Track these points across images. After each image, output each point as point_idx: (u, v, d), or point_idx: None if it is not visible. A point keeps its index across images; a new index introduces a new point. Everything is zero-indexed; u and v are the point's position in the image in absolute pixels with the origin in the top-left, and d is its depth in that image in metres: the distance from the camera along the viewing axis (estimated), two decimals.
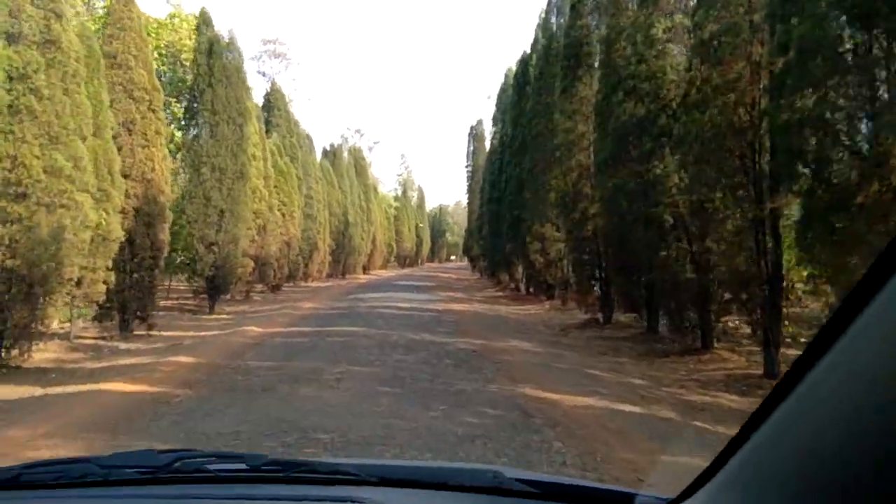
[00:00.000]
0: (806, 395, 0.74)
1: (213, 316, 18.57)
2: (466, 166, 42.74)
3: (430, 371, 7.91)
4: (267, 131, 31.46)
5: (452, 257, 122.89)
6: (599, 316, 14.72)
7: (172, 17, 23.67)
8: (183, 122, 19.62)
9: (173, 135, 22.47)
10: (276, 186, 28.81)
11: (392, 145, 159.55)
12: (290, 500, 1.25)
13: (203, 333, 13.69)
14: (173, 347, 11.08)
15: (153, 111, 14.06)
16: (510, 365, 8.77)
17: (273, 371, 7.93)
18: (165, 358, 9.36)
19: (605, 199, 11.68)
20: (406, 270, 62.89)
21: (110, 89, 13.15)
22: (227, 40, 19.01)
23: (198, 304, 21.27)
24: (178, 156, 21.07)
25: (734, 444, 0.87)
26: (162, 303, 22.21)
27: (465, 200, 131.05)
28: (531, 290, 25.02)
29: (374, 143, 67.71)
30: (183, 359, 9.25)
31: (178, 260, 22.82)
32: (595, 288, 14.94)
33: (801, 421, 0.75)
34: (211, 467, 1.31)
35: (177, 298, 23.96)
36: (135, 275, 13.63)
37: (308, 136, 39.05)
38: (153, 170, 13.86)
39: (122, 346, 12.13)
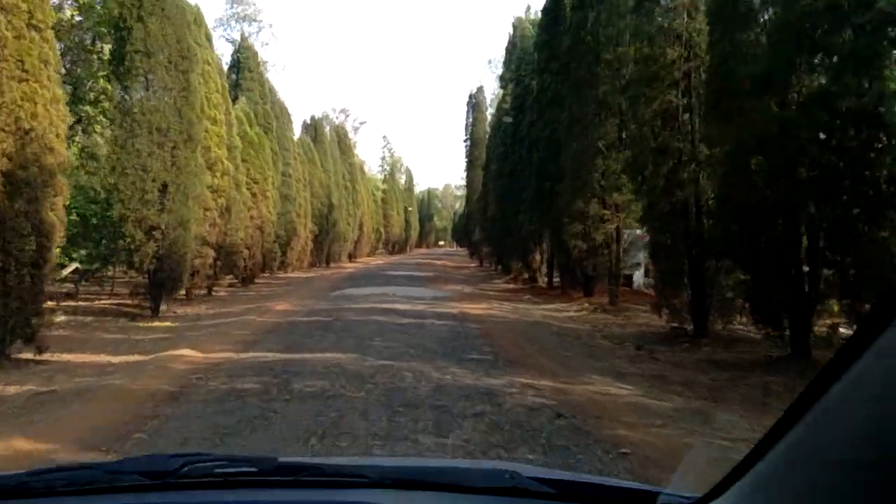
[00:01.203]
0: (843, 393, 0.71)
1: (154, 323, 14.01)
2: (465, 140, 38.17)
3: None
4: (235, 97, 26.75)
5: (441, 243, 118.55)
6: (688, 325, 10.37)
7: None
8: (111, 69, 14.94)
9: (106, 88, 17.73)
10: (244, 160, 24.15)
11: (377, 127, 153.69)
12: None
13: (115, 360, 9.17)
14: (34, 400, 6.58)
15: (36, 28, 9.38)
16: (651, 459, 4.38)
17: None
18: None
19: (737, 146, 7.27)
20: (396, 258, 58.34)
21: None
22: None
23: (141, 304, 16.67)
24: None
25: (765, 445, 0.83)
26: (98, 303, 17.65)
27: (455, 183, 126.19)
28: (555, 282, 20.68)
29: (360, 123, 62.71)
30: (10, 443, 4.77)
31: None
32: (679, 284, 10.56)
33: (836, 421, 0.72)
34: (219, 471, 1.27)
35: (123, 296, 19.26)
36: (8, 274, 9.06)
37: (284, 107, 34.28)
38: (35, 116, 9.22)
39: None
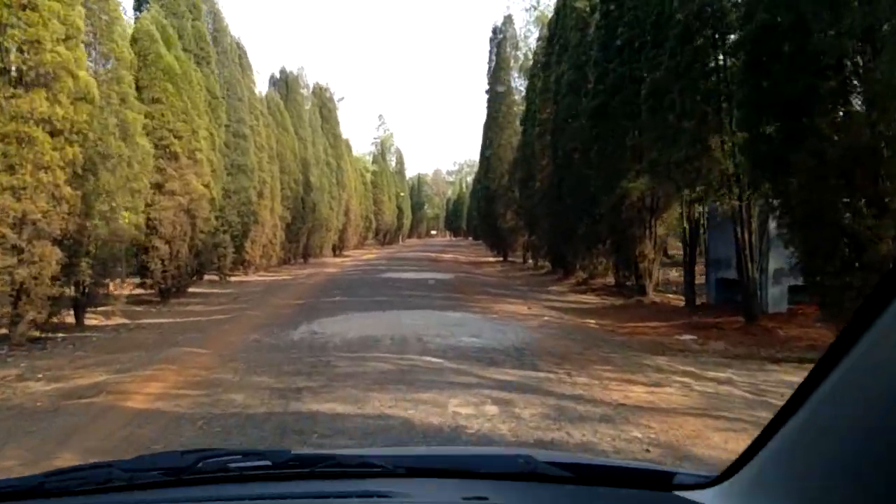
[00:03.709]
0: (852, 368, 0.71)
1: None
2: (486, 91, 28.60)
3: None
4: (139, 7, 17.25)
5: (433, 232, 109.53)
6: None
7: None
8: None
9: None
10: (157, 101, 14.89)
11: (357, 105, 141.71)
12: (315, 496, 1.24)
13: None
14: None
15: None
16: None
17: None
18: None
19: None
20: (390, 250, 49.14)
21: None
22: None
23: None
24: None
25: (777, 423, 0.83)
26: None
27: (446, 168, 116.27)
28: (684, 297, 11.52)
29: (339, 99, 51.48)
30: None
31: None
32: None
33: (847, 396, 0.72)
34: (234, 465, 1.28)
35: None
36: None
37: (238, 44, 24.84)
38: None
39: None
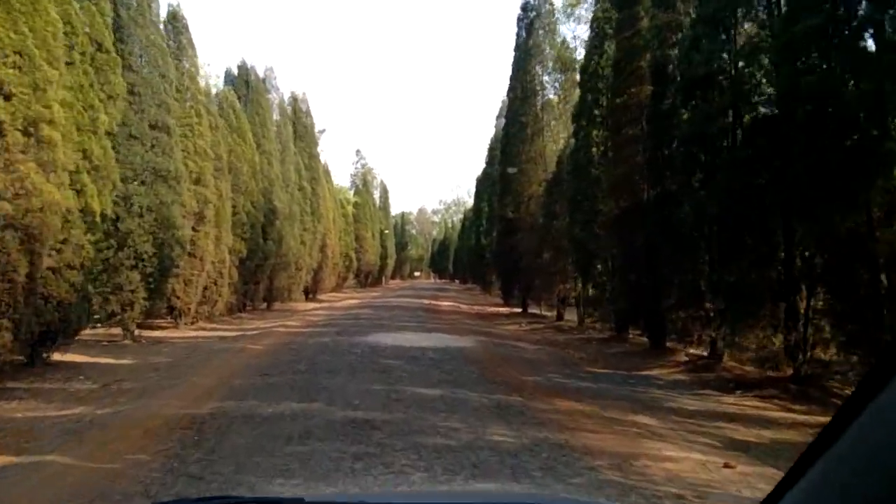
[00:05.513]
0: (887, 400, 0.67)
1: None
2: (508, 92, 21.59)
3: None
4: None
5: (417, 273, 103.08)
6: None
7: None
8: None
9: None
10: None
11: (338, 139, 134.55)
12: None
13: None
14: None
15: None
16: None
17: None
18: None
19: None
20: (373, 294, 41.96)
21: None
22: None
23: None
24: None
25: (809, 457, 0.77)
26: None
27: (430, 206, 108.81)
28: None
29: (320, 132, 44.30)
30: None
31: None
32: None
33: (881, 428, 0.68)
34: None
35: None
36: None
37: (176, 16, 18.17)
38: None
39: None
